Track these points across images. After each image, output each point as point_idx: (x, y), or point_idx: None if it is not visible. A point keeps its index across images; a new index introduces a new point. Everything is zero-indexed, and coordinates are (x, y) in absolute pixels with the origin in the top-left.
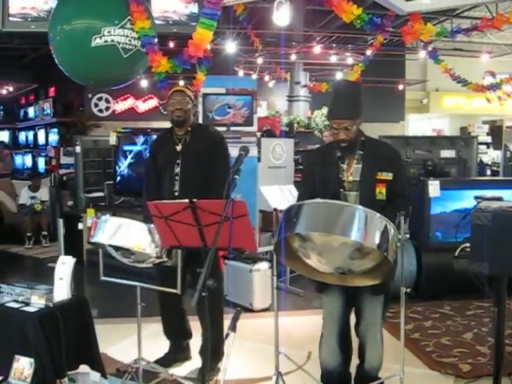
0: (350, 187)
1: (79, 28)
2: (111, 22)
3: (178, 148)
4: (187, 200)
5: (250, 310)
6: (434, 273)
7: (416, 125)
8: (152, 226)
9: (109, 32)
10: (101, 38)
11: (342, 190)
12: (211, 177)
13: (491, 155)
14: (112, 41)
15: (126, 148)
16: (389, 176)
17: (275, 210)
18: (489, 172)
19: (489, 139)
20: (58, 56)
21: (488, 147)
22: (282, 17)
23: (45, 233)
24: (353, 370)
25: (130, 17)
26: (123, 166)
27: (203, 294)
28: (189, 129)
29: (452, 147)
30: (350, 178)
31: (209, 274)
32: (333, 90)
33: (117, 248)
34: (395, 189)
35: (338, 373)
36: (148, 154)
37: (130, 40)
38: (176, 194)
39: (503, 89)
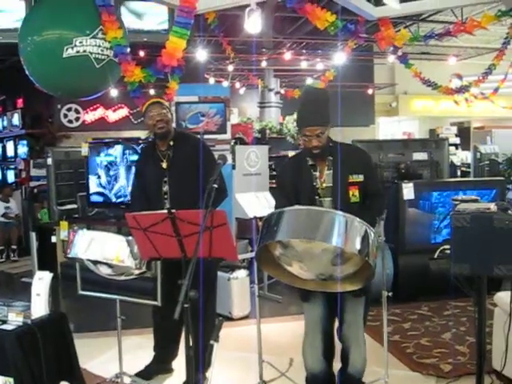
0: (324, 193)
1: (50, 39)
2: (83, 32)
3: (164, 165)
4: (165, 211)
5: (230, 319)
6: (410, 274)
7: (386, 128)
8: (130, 238)
9: (81, 42)
10: (73, 48)
11: (317, 197)
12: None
13: (460, 156)
14: (84, 51)
15: (98, 159)
16: (359, 178)
17: (255, 217)
18: (459, 173)
19: (457, 140)
20: (29, 67)
21: (457, 148)
22: (253, 24)
23: (14, 247)
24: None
25: (101, 26)
26: (96, 177)
27: (185, 305)
28: (171, 143)
29: (424, 150)
30: (324, 185)
31: (199, 285)
32: (302, 98)
33: (95, 261)
34: (368, 189)
35: (323, 376)
36: (134, 172)
37: (102, 50)
38: None
39: (470, 91)
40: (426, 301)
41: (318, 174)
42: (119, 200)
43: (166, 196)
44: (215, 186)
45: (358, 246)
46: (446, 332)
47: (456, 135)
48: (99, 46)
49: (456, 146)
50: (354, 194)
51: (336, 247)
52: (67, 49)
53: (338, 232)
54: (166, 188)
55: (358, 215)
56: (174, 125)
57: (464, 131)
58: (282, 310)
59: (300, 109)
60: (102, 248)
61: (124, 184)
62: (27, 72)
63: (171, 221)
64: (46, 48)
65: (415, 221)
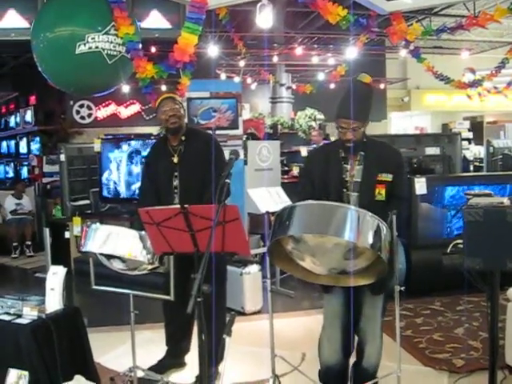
0: (352, 188)
1: (63, 35)
2: (95, 29)
3: (175, 160)
4: (178, 205)
5: (242, 314)
6: (423, 269)
7: (398, 123)
8: (143, 232)
9: (93, 38)
10: (85, 44)
11: (344, 190)
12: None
13: (473, 151)
14: (96, 47)
15: (110, 154)
16: (388, 177)
17: (267, 212)
18: (472, 168)
19: (470, 135)
20: (42, 64)
21: (469, 143)
22: (265, 19)
23: (28, 242)
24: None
25: (113, 23)
26: (108, 172)
27: (198, 299)
28: (183, 138)
29: (436, 144)
30: (353, 179)
31: (211, 279)
32: (346, 89)
33: (108, 256)
34: (394, 190)
35: (337, 370)
36: (144, 166)
37: (114, 46)
38: None
39: (484, 85)
40: (438, 296)
41: (348, 167)
42: (131, 196)
43: (176, 190)
44: (228, 181)
45: (370, 240)
46: (458, 327)
47: (469, 130)
48: (111, 42)
49: (469, 140)
50: (380, 192)
51: (348, 242)
52: (79, 45)
53: (351, 226)
54: (176, 182)
55: (380, 214)
56: (185, 120)
57: (477, 126)
58: (294, 305)
59: (341, 99)
60: (115, 242)
61: (137, 179)
62: (40, 69)
63: (184, 216)
64: (58, 45)
65: (428, 215)
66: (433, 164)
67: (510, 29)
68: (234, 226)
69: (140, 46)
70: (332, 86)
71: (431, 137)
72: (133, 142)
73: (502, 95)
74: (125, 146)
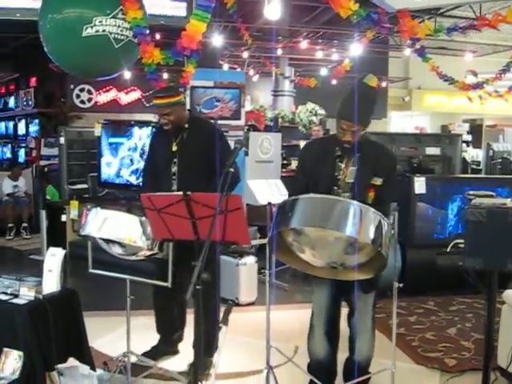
0: (344, 187)
1: (70, 17)
2: (103, 12)
3: (175, 147)
4: (181, 192)
5: (236, 304)
6: (418, 269)
7: (398, 122)
8: (144, 218)
9: (100, 22)
10: (92, 27)
11: (335, 188)
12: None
13: (470, 153)
14: (103, 31)
15: (111, 139)
16: (378, 181)
17: (269, 203)
18: (469, 170)
19: (469, 138)
20: (48, 45)
21: (468, 145)
22: (273, 10)
23: (25, 224)
24: (340, 365)
25: (121, 7)
26: (108, 157)
27: (197, 287)
28: (186, 126)
29: (437, 145)
30: (346, 179)
31: (204, 267)
32: (350, 89)
33: (107, 240)
34: (381, 194)
35: (326, 362)
36: (148, 151)
37: (121, 30)
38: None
39: (485, 88)
40: (432, 295)
41: (343, 165)
42: (130, 182)
43: (174, 177)
44: (232, 170)
45: (371, 236)
46: (451, 327)
47: (468, 132)
48: (119, 27)
49: (467, 143)
50: (370, 195)
51: (350, 236)
52: (87, 28)
53: (353, 221)
54: (174, 169)
55: None
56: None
57: (476, 129)
58: (287, 298)
59: (344, 99)
60: (115, 227)
61: (136, 166)
62: (46, 50)
63: (186, 203)
64: (65, 26)
65: (425, 215)
66: (432, 164)
67: None
68: (236, 215)
69: (147, 31)
70: (334, 82)
71: (432, 137)
72: (133, 129)
73: (502, 99)
74: (125, 132)
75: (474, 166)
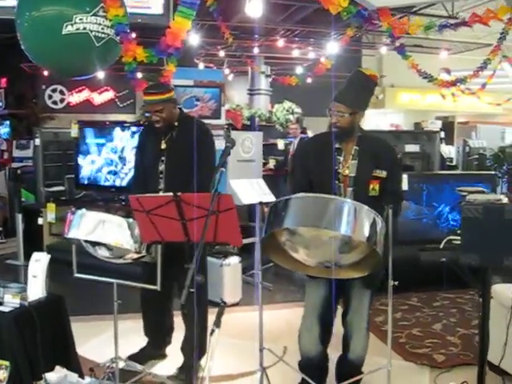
0: (347, 182)
1: (50, 14)
2: (83, 9)
3: (163, 145)
4: (171, 193)
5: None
6: (400, 266)
7: (372, 120)
8: (131, 220)
9: (81, 19)
10: (72, 25)
11: (336, 182)
12: (199, 170)
13: (443, 150)
14: (84, 28)
15: (87, 140)
16: (383, 174)
17: (261, 203)
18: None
19: (442, 134)
20: (26, 43)
21: (441, 142)
22: (254, 8)
23: (0, 228)
24: (332, 364)
25: (102, 4)
26: (85, 159)
27: (191, 290)
28: (176, 124)
29: (416, 142)
30: (346, 172)
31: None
32: (348, 78)
33: (93, 243)
34: (388, 187)
35: (317, 360)
36: (135, 152)
37: (102, 28)
38: (161, 192)
39: (458, 85)
40: (415, 291)
41: (341, 159)
42: (108, 183)
43: (161, 175)
44: (223, 169)
45: (366, 234)
46: (436, 323)
47: (441, 129)
48: (100, 24)
49: (441, 139)
50: (374, 187)
51: (344, 235)
52: (67, 26)
53: (347, 220)
54: (162, 167)
55: (374, 209)
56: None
57: (448, 125)
58: (271, 298)
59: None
60: (102, 230)
61: (115, 168)
62: (23, 47)
63: (176, 204)
64: (44, 24)
65: (406, 212)
66: (412, 161)
67: (487, 31)
68: (228, 215)
69: (128, 29)
70: (309, 80)
71: (411, 134)
72: (110, 129)
73: (475, 96)
74: (102, 133)
75: (448, 163)
